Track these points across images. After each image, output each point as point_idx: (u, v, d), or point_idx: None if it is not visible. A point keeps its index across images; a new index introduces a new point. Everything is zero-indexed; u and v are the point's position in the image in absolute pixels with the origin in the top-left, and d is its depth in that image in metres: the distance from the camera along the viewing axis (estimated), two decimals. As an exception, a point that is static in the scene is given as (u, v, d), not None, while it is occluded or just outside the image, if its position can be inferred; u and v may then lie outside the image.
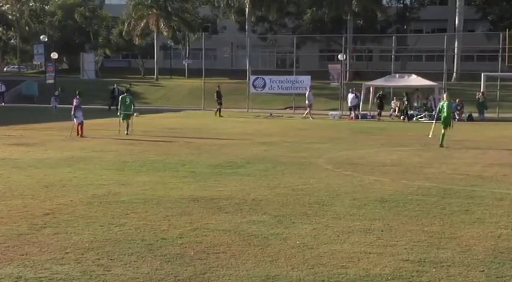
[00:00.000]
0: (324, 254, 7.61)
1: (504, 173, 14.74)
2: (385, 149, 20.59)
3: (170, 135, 23.73)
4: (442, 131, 21.48)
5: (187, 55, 67.31)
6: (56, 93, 41.68)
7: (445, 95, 23.26)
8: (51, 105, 39.57)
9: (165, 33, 62.35)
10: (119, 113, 25.25)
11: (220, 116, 37.86)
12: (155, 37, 63.12)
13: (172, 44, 68.59)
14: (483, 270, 7.00)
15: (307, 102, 39.00)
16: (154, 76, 61.90)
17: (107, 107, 42.13)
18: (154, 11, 62.26)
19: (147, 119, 35.68)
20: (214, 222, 9.30)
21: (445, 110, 21.92)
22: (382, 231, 8.82)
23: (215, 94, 39.82)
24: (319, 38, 60.50)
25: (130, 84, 45.05)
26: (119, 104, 25.37)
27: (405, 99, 37.52)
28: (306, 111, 38.31)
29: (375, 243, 8.13)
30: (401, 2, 66.45)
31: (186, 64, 64.74)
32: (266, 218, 9.57)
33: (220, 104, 38.96)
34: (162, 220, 9.38)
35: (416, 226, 9.12)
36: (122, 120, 24.72)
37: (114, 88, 44.26)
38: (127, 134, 23.96)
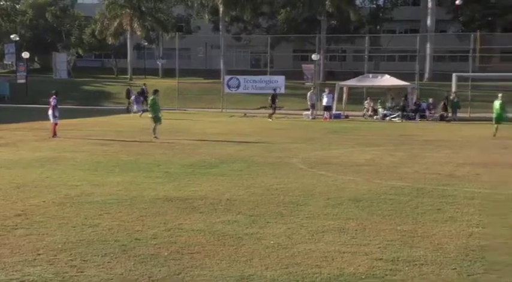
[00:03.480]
0: (299, 254, 7.63)
1: (475, 172, 14.93)
2: (359, 148, 20.72)
3: (144, 136, 23.57)
4: (495, 125, 26.19)
5: (161, 55, 67.01)
6: (133, 97, 41.00)
7: (500, 95, 27.67)
8: (136, 110, 38.75)
9: (139, 33, 62.01)
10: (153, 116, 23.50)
11: (269, 118, 36.69)
12: (128, 37, 62.75)
13: (146, 43, 68.24)
14: (455, 268, 7.07)
15: (309, 102, 39.14)
16: (128, 76, 61.50)
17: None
18: (128, 10, 61.86)
19: (121, 119, 35.47)
20: (189, 222, 9.28)
21: (498, 107, 26.88)
22: (356, 230, 8.87)
23: (270, 97, 38.78)
24: (293, 38, 60.63)
25: (144, 84, 44.31)
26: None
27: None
28: (309, 112, 38.46)
29: (349, 243, 8.17)
30: (374, 2, 66.85)
31: (160, 64, 64.46)
32: (240, 218, 9.57)
33: (273, 107, 37.89)
34: (135, 220, 9.33)
35: (389, 225, 9.19)
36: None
37: (143, 88, 42.88)
38: (156, 137, 22.47)
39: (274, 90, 40.11)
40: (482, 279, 6.75)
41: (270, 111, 37.66)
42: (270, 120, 35.82)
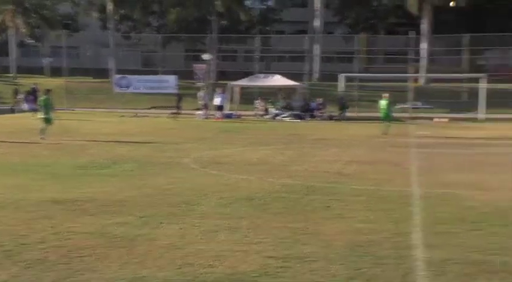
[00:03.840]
0: (191, 254, 7.61)
1: (362, 169, 15.45)
2: (251, 148, 20.93)
3: (31, 136, 22.72)
4: (386, 124, 26.97)
5: (47, 53, 64.81)
6: (22, 96, 38.46)
7: (387, 95, 28.51)
8: (28, 109, 36.26)
9: (23, 30, 59.71)
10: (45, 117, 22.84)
11: (173, 118, 36.52)
12: (11, 34, 60.24)
13: (33, 41, 65.79)
14: (343, 264, 7.28)
15: (201, 102, 39.04)
16: (12, 74, 59.02)
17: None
18: (10, 6, 59.40)
19: (5, 119, 34.06)
20: (78, 225, 9.03)
21: (385, 107, 27.93)
22: (249, 229, 8.95)
23: (177, 97, 38.95)
24: (184, 38, 60.45)
25: (35, 83, 42.29)
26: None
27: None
28: (203, 112, 38.24)
29: (242, 241, 8.24)
30: (264, 3, 67.80)
31: (46, 62, 62.32)
32: (132, 219, 9.42)
33: (177, 107, 37.86)
34: (21, 224, 8.97)
35: (281, 223, 9.34)
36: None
37: (34, 87, 40.94)
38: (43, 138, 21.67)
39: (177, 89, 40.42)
40: (369, 273, 6.99)
41: (175, 110, 37.67)
42: (174, 119, 35.89)
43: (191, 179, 13.53)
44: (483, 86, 39.18)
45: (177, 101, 38.59)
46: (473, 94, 40.52)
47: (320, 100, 39.90)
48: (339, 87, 40.64)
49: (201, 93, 40.10)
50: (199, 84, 44.22)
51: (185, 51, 64.38)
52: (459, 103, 42.89)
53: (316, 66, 55.94)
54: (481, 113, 38.39)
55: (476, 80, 40.41)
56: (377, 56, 60.13)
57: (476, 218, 9.70)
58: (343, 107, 39.00)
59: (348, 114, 39.04)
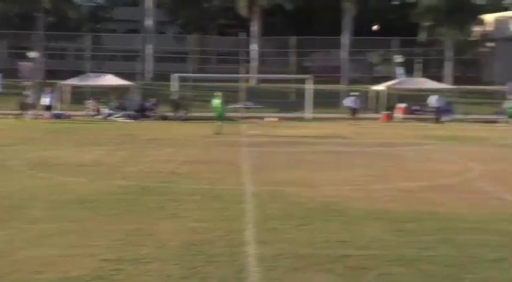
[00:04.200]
0: (19, 261, 7.29)
1: (196, 169, 15.62)
2: (82, 149, 20.40)
3: None
4: (218, 122, 27.67)
5: None
6: None
7: (220, 93, 28.96)
8: None
9: None
10: None
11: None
12: None
13: None
14: (177, 264, 7.33)
15: (28, 101, 37.30)
16: None
17: None
18: None
19: None
20: None
21: (219, 106, 28.34)
22: (81, 232, 8.74)
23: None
24: (6, 34, 57.26)
25: None
26: None
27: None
28: (31, 112, 36.42)
29: (74, 245, 8.03)
30: (94, 1, 66.20)
31: None
32: (-47, 228, 8.85)
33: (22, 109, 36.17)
34: None
35: (115, 225, 9.22)
36: None
37: None
38: None
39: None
40: (203, 271, 7.10)
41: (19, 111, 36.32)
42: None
43: (19, 181, 12.96)
44: (309, 86, 41.08)
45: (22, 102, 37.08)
46: (301, 94, 42.37)
47: (153, 100, 39.71)
48: (172, 87, 40.75)
49: (27, 93, 38.40)
50: (25, 83, 42.25)
51: (8, 48, 61.06)
52: (288, 103, 44.66)
53: (149, 65, 55.64)
54: (308, 113, 40.20)
55: (303, 81, 42.31)
56: (210, 57, 60.98)
57: (303, 214, 10.19)
58: (178, 108, 39.07)
59: (182, 114, 39.14)
